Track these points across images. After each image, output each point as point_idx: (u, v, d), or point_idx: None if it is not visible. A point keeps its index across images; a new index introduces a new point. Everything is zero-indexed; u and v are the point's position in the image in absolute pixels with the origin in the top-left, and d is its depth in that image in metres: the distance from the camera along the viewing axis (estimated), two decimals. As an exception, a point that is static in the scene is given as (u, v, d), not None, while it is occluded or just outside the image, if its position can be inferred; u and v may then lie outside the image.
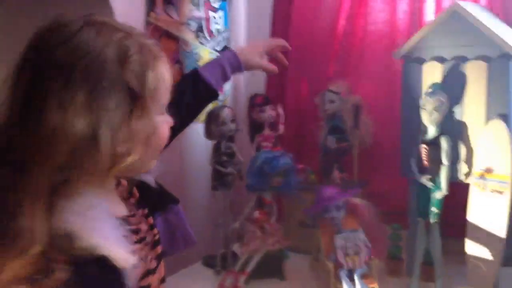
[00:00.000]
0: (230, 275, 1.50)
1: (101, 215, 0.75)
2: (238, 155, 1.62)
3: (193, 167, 1.65)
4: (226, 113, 1.58)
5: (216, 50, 2.08)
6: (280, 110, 1.74)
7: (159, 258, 0.88)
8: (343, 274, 1.34)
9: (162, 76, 0.78)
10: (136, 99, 0.74)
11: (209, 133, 1.62)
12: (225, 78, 1.22)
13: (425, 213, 1.46)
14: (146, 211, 0.89)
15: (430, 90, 1.39)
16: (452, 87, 1.42)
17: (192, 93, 1.17)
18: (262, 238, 1.52)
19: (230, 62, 1.20)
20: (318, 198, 1.46)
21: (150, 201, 0.93)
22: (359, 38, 1.85)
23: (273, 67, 1.27)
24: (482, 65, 1.38)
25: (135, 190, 0.90)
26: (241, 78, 2.15)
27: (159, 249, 0.89)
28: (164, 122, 0.81)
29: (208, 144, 1.68)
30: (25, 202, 0.69)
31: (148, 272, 0.83)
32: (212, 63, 1.22)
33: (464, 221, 1.43)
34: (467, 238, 1.43)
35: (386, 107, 1.81)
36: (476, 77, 1.39)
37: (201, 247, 1.76)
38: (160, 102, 0.78)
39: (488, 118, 1.38)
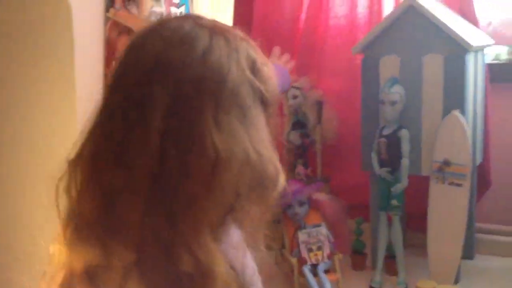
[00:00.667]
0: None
1: (244, 245, 0.71)
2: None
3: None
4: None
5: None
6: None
7: None
8: (306, 269, 1.35)
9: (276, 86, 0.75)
10: (268, 112, 0.71)
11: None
12: None
13: (386, 207, 1.47)
14: None
15: (387, 84, 1.40)
16: (410, 81, 1.43)
17: None
18: (225, 235, 1.51)
19: None
20: (281, 194, 1.45)
21: None
22: (321, 33, 1.85)
23: None
24: (438, 59, 1.39)
25: None
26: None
27: None
28: None
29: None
30: (204, 236, 0.63)
31: None
32: None
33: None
34: (428, 231, 1.45)
35: (349, 102, 1.82)
36: (433, 71, 1.40)
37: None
38: None
39: (446, 111, 1.40)
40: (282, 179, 0.72)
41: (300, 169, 1.79)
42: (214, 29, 0.69)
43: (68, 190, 0.67)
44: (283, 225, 1.48)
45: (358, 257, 1.59)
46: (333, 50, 1.83)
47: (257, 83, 0.70)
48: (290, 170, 1.82)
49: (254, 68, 0.70)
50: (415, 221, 1.67)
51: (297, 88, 1.80)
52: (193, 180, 0.63)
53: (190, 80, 0.64)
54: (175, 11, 2.03)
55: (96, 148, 0.66)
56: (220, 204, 0.65)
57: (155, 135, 0.63)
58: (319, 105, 1.77)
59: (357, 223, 1.60)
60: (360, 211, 1.69)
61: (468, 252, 1.65)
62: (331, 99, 1.81)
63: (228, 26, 0.73)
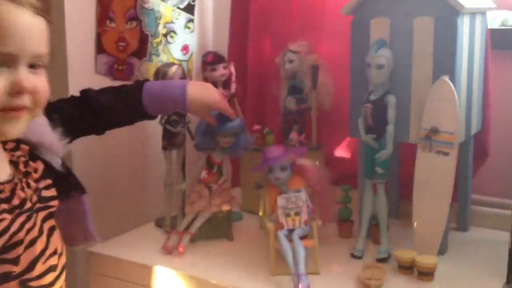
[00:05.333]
0: (174, 235, 1.49)
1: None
2: (188, 114, 1.58)
3: (144, 126, 1.62)
4: (174, 70, 1.54)
5: (180, 8, 2.03)
6: (232, 68, 1.70)
7: (41, 231, 0.85)
8: (281, 234, 1.33)
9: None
10: None
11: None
12: (164, 111, 1.43)
13: (372, 174, 1.43)
14: (44, 183, 0.89)
15: (373, 47, 1.34)
16: (400, 45, 1.37)
17: (127, 112, 1.26)
18: (207, 198, 1.51)
19: (176, 104, 1.30)
20: (263, 158, 1.43)
21: (57, 184, 0.92)
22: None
23: (213, 120, 1.45)
24: (429, 21, 1.33)
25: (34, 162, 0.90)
26: (209, 36, 2.11)
27: (45, 223, 0.88)
28: (28, 76, 0.79)
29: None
30: None
31: (17, 243, 0.79)
32: (160, 94, 1.27)
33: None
34: (414, 201, 1.40)
35: (347, 67, 1.76)
36: (423, 33, 1.34)
37: (154, 208, 1.76)
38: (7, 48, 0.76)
39: (435, 76, 1.34)
40: None
41: (293, 135, 1.75)
42: None
43: None
44: (265, 190, 1.46)
45: (344, 224, 1.56)
46: (333, 12, 1.76)
47: None
48: (287, 136, 1.79)
49: None
50: (409, 190, 1.63)
51: (294, 52, 1.76)
52: None
53: None
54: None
55: None
56: None
57: None
58: (315, 70, 1.72)
59: (344, 190, 1.57)
60: (354, 179, 1.66)
61: (462, 224, 1.61)
62: (330, 63, 1.75)
63: None
